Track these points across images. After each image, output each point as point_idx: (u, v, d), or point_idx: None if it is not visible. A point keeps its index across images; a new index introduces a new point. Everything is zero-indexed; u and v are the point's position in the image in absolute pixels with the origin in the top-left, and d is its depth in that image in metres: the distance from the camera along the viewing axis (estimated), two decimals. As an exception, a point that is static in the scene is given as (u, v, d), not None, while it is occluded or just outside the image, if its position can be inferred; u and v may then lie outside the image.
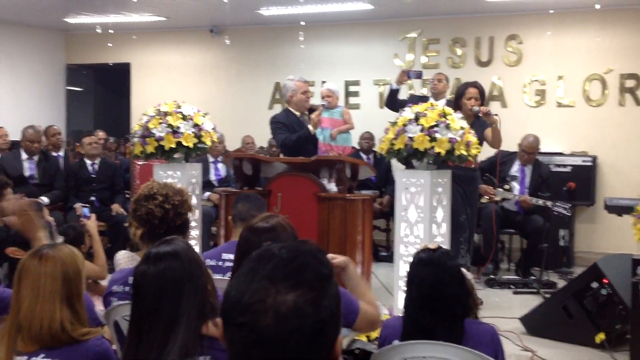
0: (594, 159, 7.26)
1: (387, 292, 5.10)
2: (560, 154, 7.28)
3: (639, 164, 7.02)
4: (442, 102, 6.12)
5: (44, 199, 6.43)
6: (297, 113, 5.63)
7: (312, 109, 5.68)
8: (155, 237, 2.57)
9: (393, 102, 6.41)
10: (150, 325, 1.86)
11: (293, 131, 5.48)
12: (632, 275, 3.50)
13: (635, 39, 7.33)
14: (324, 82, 8.59)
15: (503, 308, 5.17)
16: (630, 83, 7.35)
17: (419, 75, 6.32)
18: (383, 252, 7.43)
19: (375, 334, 3.47)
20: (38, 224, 3.05)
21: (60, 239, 4.04)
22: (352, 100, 8.69)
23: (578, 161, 7.21)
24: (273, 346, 1.14)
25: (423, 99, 6.25)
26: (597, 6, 6.83)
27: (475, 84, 5.54)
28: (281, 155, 5.69)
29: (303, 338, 1.14)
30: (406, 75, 6.25)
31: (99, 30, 8.50)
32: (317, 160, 5.10)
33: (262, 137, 7.94)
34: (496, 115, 5.33)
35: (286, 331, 1.13)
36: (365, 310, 2.43)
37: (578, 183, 7.07)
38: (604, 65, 7.43)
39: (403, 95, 6.88)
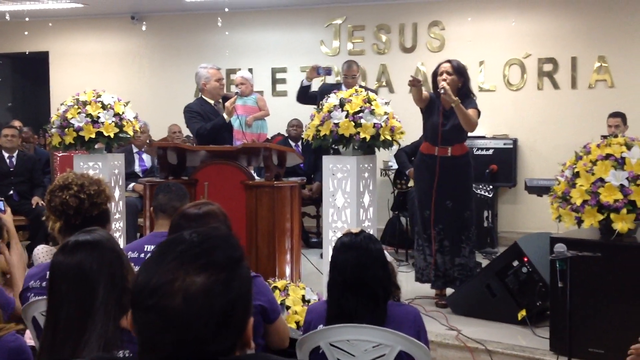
0: (515, 141, 7.47)
1: (320, 272, 5.13)
2: (483, 137, 7.46)
3: (557, 146, 7.24)
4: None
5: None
6: (212, 101, 5.60)
7: (226, 97, 5.66)
8: (72, 229, 2.50)
9: (304, 97, 6.53)
10: (66, 316, 1.81)
11: (208, 120, 5.44)
12: (550, 253, 3.62)
13: (552, 24, 7.56)
14: (250, 69, 8.54)
15: (429, 288, 5.26)
16: (547, 67, 7.58)
17: (328, 72, 6.47)
18: (314, 239, 7.46)
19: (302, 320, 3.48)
20: None
21: None
22: (279, 87, 8.66)
23: (500, 144, 7.41)
24: (182, 328, 1.12)
25: (335, 86, 6.35)
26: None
27: (448, 60, 4.96)
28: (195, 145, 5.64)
29: (212, 319, 1.13)
30: (316, 71, 6.37)
31: (7, 18, 8.17)
32: (243, 148, 5.06)
33: (189, 125, 7.82)
34: (442, 88, 4.68)
35: (195, 312, 1.12)
36: (285, 321, 2.48)
37: (500, 165, 7.27)
38: (523, 50, 7.63)
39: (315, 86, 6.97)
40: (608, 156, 3.73)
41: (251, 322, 1.23)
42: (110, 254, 1.92)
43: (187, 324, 1.12)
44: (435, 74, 4.94)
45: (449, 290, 5.01)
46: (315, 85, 6.87)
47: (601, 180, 3.69)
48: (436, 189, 4.87)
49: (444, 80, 4.76)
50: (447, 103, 4.80)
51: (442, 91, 4.70)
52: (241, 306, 1.18)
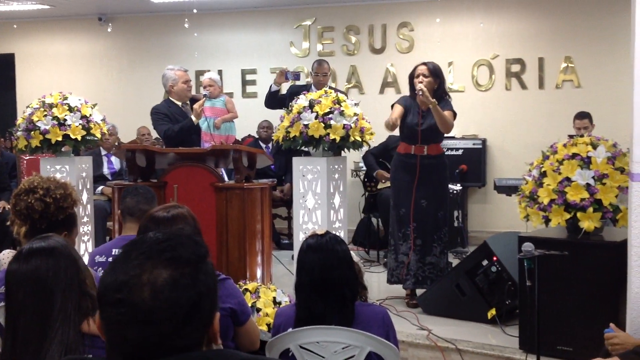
0: (484, 141, 7.54)
1: (291, 274, 5.11)
2: (452, 137, 7.50)
3: (525, 146, 7.33)
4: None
5: None
6: (179, 103, 5.56)
7: (193, 99, 5.63)
8: (37, 233, 2.46)
9: (272, 102, 6.48)
10: (25, 324, 1.78)
11: (175, 122, 5.42)
12: (518, 252, 3.65)
13: (519, 25, 7.65)
14: (219, 70, 8.50)
15: (401, 289, 5.29)
16: (515, 68, 7.67)
17: (297, 77, 6.39)
18: (285, 240, 7.44)
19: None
20: None
21: None
22: (249, 88, 8.63)
23: (469, 144, 7.46)
24: (150, 322, 1.14)
25: (305, 87, 6.31)
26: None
27: (424, 62, 5.03)
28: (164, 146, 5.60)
29: (179, 311, 1.15)
30: (284, 76, 6.32)
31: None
32: (212, 150, 5.03)
33: (158, 128, 7.74)
34: (419, 90, 4.74)
35: (163, 305, 1.14)
36: (255, 322, 2.49)
37: (469, 165, 7.33)
38: (491, 51, 7.71)
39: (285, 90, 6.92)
40: (574, 155, 3.78)
41: (217, 317, 1.24)
42: (65, 259, 1.90)
43: (154, 317, 1.14)
44: (411, 76, 5.02)
45: (420, 291, 5.04)
46: (285, 89, 6.86)
47: (568, 179, 3.73)
48: (416, 187, 4.94)
49: (421, 82, 4.83)
50: (424, 104, 4.84)
51: (419, 93, 4.76)
52: (207, 301, 1.20)
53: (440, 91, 4.96)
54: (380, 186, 6.75)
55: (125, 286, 1.15)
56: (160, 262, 1.17)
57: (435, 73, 4.94)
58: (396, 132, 6.73)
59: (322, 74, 6.41)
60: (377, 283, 5.65)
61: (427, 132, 4.94)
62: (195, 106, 5.39)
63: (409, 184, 4.97)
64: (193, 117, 5.39)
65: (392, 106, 5.10)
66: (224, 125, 5.92)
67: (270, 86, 6.55)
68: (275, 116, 6.41)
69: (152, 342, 1.14)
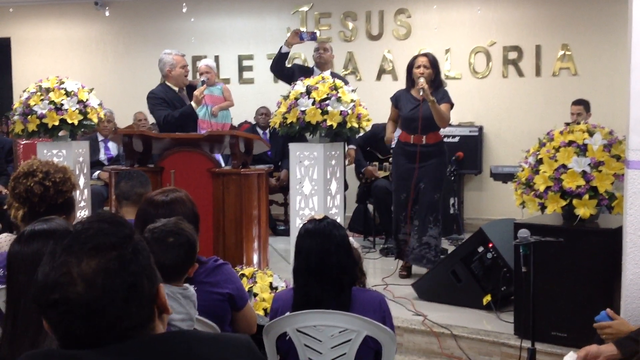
0: (480, 129, 7.55)
1: (287, 262, 5.15)
2: (449, 124, 7.48)
3: (521, 133, 7.34)
4: (327, 73, 6.12)
5: None
6: (176, 88, 5.53)
7: (190, 86, 5.60)
8: (36, 216, 2.47)
9: (281, 66, 6.04)
10: (25, 307, 1.78)
11: (173, 107, 5.38)
12: (514, 239, 3.67)
13: (516, 12, 7.64)
14: (216, 56, 8.48)
15: (396, 275, 5.32)
16: (512, 55, 7.66)
17: (313, 37, 5.86)
18: (281, 226, 7.45)
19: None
20: None
21: None
22: (246, 74, 8.60)
23: (465, 131, 7.47)
24: (91, 313, 1.15)
25: (308, 70, 6.21)
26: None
27: (425, 53, 5.25)
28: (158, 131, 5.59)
29: (117, 295, 1.16)
30: (298, 36, 5.80)
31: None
32: (209, 135, 5.03)
33: (155, 113, 7.72)
34: (421, 87, 4.95)
35: (99, 294, 1.15)
36: (252, 307, 2.52)
37: (466, 152, 7.34)
38: (488, 38, 7.70)
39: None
40: (570, 143, 3.79)
41: (162, 289, 1.24)
42: None
43: (96, 307, 1.15)
44: (410, 67, 5.19)
45: (415, 269, 5.22)
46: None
47: (564, 166, 3.74)
48: (416, 175, 5.15)
49: (422, 73, 5.02)
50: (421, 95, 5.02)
51: (420, 92, 4.95)
52: (145, 276, 1.21)
53: (437, 81, 5.17)
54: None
55: (59, 285, 1.15)
56: (84, 254, 1.17)
57: (434, 64, 5.16)
58: (382, 120, 6.77)
59: (322, 48, 6.22)
60: (372, 269, 5.68)
61: (424, 122, 5.09)
62: (196, 93, 5.36)
63: (410, 171, 5.17)
64: (193, 104, 5.36)
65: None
66: (221, 113, 5.91)
67: (280, 47, 6.03)
68: (272, 102, 6.39)
69: (99, 330, 1.16)
